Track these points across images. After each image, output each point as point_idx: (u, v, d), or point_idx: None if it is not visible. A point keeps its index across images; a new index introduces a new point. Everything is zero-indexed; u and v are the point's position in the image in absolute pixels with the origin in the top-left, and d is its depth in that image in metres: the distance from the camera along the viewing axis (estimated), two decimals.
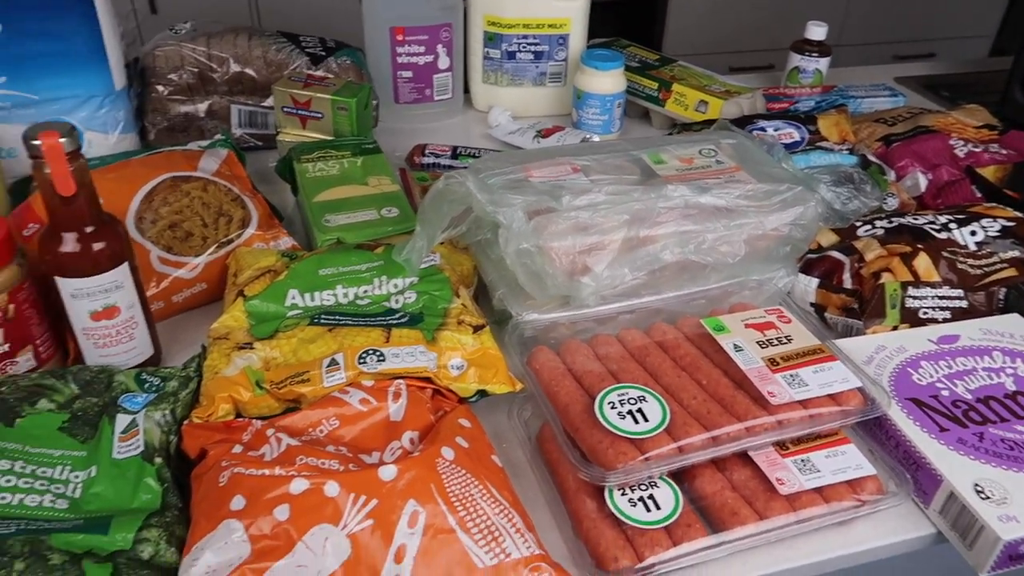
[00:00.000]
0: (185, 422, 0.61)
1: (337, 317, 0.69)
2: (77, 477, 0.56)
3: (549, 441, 0.63)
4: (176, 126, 1.03)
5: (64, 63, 0.90)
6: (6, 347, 0.65)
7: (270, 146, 1.08)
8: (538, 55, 1.16)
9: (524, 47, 1.15)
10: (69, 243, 0.62)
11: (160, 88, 1.00)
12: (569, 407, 0.61)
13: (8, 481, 0.54)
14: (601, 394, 0.60)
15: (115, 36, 0.94)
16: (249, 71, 1.03)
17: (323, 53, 1.07)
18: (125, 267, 0.65)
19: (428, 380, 0.64)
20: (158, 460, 0.57)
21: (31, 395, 0.61)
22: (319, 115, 0.97)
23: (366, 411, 0.60)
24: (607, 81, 1.09)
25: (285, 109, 0.98)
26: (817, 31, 1.19)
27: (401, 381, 0.63)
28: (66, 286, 0.64)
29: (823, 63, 1.20)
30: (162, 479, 0.56)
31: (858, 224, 0.82)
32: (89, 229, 0.63)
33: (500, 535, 0.52)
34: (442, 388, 0.64)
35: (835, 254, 0.79)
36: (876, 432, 0.65)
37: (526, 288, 0.69)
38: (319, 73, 1.02)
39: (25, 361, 0.67)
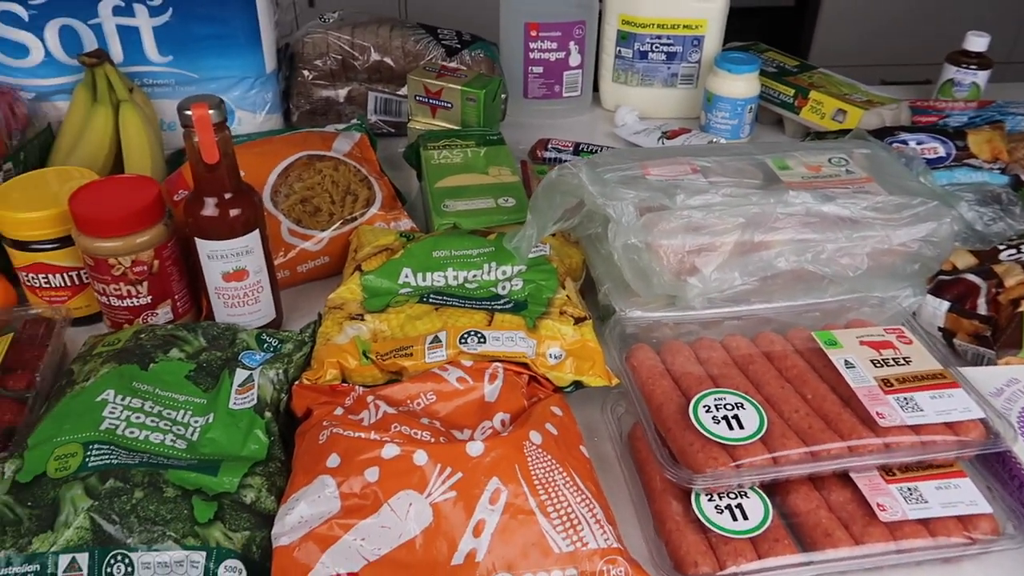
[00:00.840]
0: (295, 382, 0.65)
1: (445, 298, 0.71)
2: (196, 422, 0.61)
3: (639, 439, 0.63)
4: (317, 109, 1.09)
5: (224, 46, 0.97)
6: (148, 299, 0.72)
7: (401, 133, 1.12)
8: (671, 56, 1.14)
9: (657, 47, 1.14)
10: (209, 207, 0.68)
11: (306, 73, 1.07)
12: (663, 406, 0.61)
13: (138, 418, 0.59)
14: (697, 396, 0.59)
15: (270, 23, 1.00)
16: (388, 60, 1.08)
17: (458, 46, 1.10)
18: (256, 234, 0.70)
19: (525, 366, 0.65)
20: (268, 414, 0.61)
21: (165, 344, 0.66)
22: (448, 105, 1.00)
23: (462, 389, 0.62)
24: (740, 85, 1.06)
25: (417, 97, 1.01)
26: (977, 42, 1.11)
27: (499, 364, 0.64)
28: (204, 247, 0.69)
29: (981, 76, 1.12)
30: (270, 432, 0.60)
31: (1001, 247, 0.76)
32: (228, 196, 0.68)
33: (579, 523, 0.52)
34: (538, 375, 0.65)
35: (971, 277, 0.74)
36: (997, 469, 0.61)
37: (631, 285, 0.69)
38: (452, 65, 1.05)
39: (164, 313, 0.73)
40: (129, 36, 0.94)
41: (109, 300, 0.71)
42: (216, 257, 0.69)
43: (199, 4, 0.94)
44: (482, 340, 0.65)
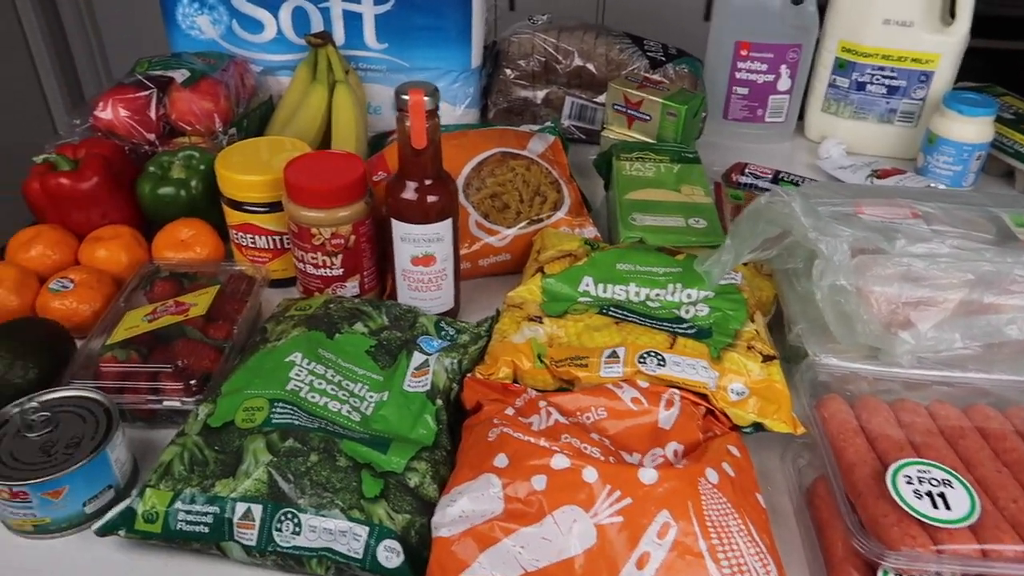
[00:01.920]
0: (468, 375, 0.65)
1: (625, 312, 0.69)
2: (371, 397, 0.62)
3: (822, 497, 0.58)
4: (514, 108, 1.10)
5: (437, 38, 1.00)
6: (340, 271, 0.74)
7: (592, 141, 1.11)
8: (892, 90, 1.06)
9: (878, 79, 1.06)
10: (409, 190, 0.69)
11: (508, 71, 1.08)
12: (855, 467, 0.55)
13: (320, 384, 0.61)
14: (898, 464, 0.54)
15: (482, 19, 1.02)
16: (590, 67, 1.07)
17: (663, 59, 1.08)
18: (449, 223, 0.71)
19: (704, 397, 0.62)
20: (439, 402, 0.62)
21: (351, 316, 0.68)
22: (647, 117, 0.98)
23: (636, 411, 0.60)
24: (970, 129, 0.96)
25: (616, 106, 1.00)
26: None
27: (676, 391, 0.61)
28: (398, 229, 0.71)
29: None
30: (439, 420, 0.60)
31: None
32: (428, 182, 0.69)
33: None
34: (717, 409, 0.61)
35: None
36: None
37: (832, 329, 0.64)
38: (655, 77, 1.03)
39: (352, 287, 0.76)
40: (352, 21, 0.99)
41: (305, 267, 0.74)
42: (408, 240, 0.71)
43: None
44: (662, 363, 0.62)
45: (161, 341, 0.66)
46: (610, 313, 0.69)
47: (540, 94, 1.09)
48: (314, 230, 0.72)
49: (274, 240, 0.78)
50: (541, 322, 0.68)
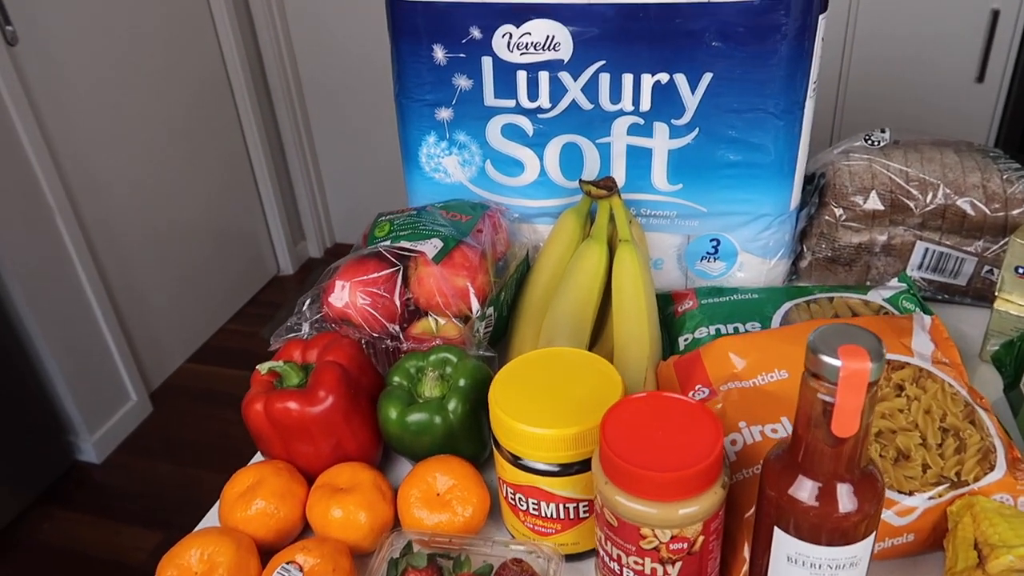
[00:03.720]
0: None
1: None
2: None
3: None
4: (840, 258, 0.82)
5: (749, 176, 0.75)
6: None
7: (951, 300, 0.81)
8: None
9: None
10: (810, 493, 0.43)
11: (838, 212, 0.80)
12: None
13: None
14: None
15: (806, 149, 0.76)
16: (961, 203, 0.77)
17: None
18: (871, 540, 0.44)
19: None
20: None
21: None
22: None
23: None
24: None
25: (1021, 270, 0.69)
26: None
27: None
28: (785, 544, 0.44)
29: None
30: None
31: None
32: (845, 484, 0.42)
33: None
34: None
35: None
36: None
37: None
38: None
39: None
40: (638, 159, 0.76)
41: (622, 571, 0.50)
42: (800, 563, 0.44)
43: (732, 125, 0.72)
44: None
45: None
46: None
47: (880, 239, 0.80)
48: (644, 530, 0.47)
49: (568, 509, 0.55)
50: None
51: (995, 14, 1.77)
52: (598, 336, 0.74)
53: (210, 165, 2.33)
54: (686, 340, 0.72)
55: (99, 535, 1.77)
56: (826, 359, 0.39)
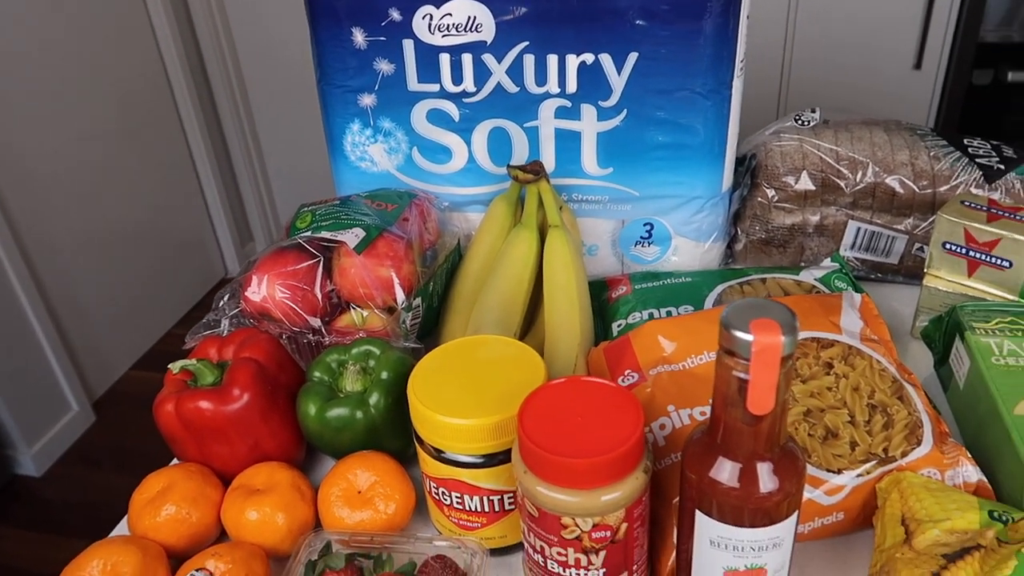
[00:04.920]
0: None
1: None
2: None
3: None
4: (773, 239, 0.81)
5: (679, 158, 0.74)
6: (601, 572, 0.47)
7: (885, 279, 0.81)
8: None
9: None
10: (731, 474, 0.42)
11: (770, 193, 0.79)
12: None
13: None
14: None
15: (736, 130, 0.75)
16: (890, 182, 0.77)
17: (1000, 165, 0.76)
18: (793, 520, 0.43)
19: None
20: None
21: None
22: (1005, 264, 0.66)
23: None
24: None
25: (948, 245, 0.69)
26: None
27: None
28: (707, 528, 0.43)
29: None
30: None
31: None
32: (764, 463, 0.41)
33: None
34: None
35: None
36: None
37: None
38: (1007, 202, 0.71)
39: None
40: (567, 142, 0.74)
41: (546, 563, 0.48)
42: (723, 547, 0.43)
43: (660, 106, 0.71)
44: None
45: None
46: None
47: (813, 219, 0.80)
48: (565, 519, 0.45)
49: (492, 501, 0.53)
50: None
51: (930, 2, 1.80)
52: (531, 326, 0.73)
53: (151, 167, 2.26)
54: (619, 326, 0.71)
55: (40, 550, 1.70)
56: (738, 334, 0.38)
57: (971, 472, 0.53)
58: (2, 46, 1.78)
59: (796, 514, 0.43)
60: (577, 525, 0.45)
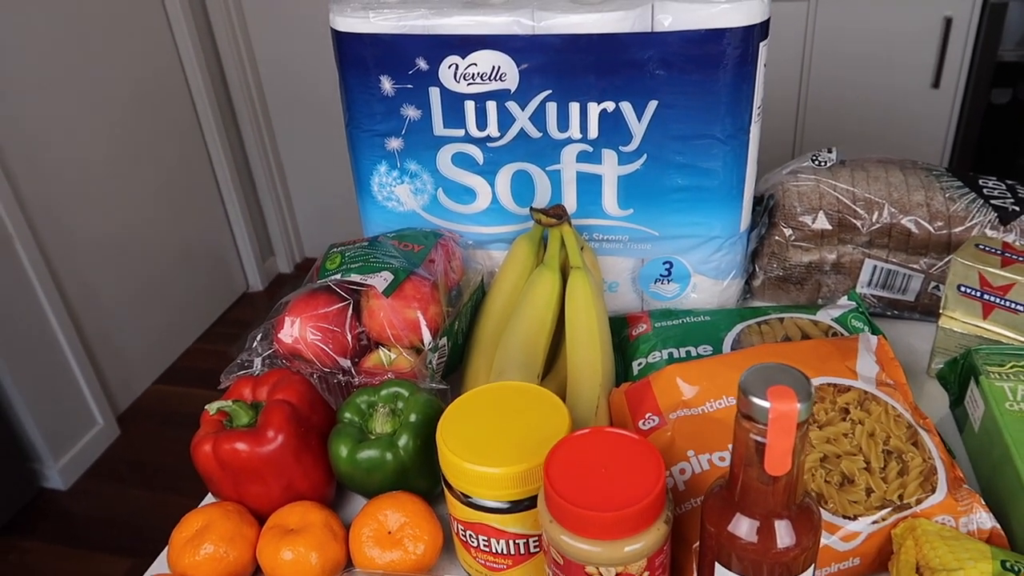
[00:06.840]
0: None
1: None
2: None
3: None
4: (791, 276, 0.83)
5: (698, 199, 0.75)
6: None
7: (901, 316, 0.82)
8: None
9: None
10: (748, 529, 0.43)
11: (787, 232, 0.81)
12: None
13: None
14: None
15: (754, 171, 0.77)
16: (906, 222, 0.78)
17: (1015, 207, 0.77)
18: (811, 571, 0.45)
19: None
20: None
21: None
22: (1020, 308, 0.67)
23: None
24: None
25: (963, 288, 0.70)
26: None
27: None
28: None
29: None
30: None
31: None
32: (781, 520, 0.43)
33: None
34: None
35: None
36: None
37: None
38: (1021, 244, 0.73)
39: None
40: (588, 185, 0.76)
41: None
42: None
43: (679, 151, 0.73)
44: None
45: None
46: None
47: (830, 257, 0.82)
48: (590, 568, 0.47)
49: (518, 544, 0.55)
50: None
51: (948, 21, 1.81)
52: (553, 364, 0.75)
53: (174, 183, 2.31)
54: (640, 364, 0.73)
55: (67, 564, 1.74)
56: (756, 401, 0.39)
57: (985, 519, 0.55)
58: (29, 68, 1.83)
59: (812, 567, 0.45)
60: (600, 573, 0.47)
